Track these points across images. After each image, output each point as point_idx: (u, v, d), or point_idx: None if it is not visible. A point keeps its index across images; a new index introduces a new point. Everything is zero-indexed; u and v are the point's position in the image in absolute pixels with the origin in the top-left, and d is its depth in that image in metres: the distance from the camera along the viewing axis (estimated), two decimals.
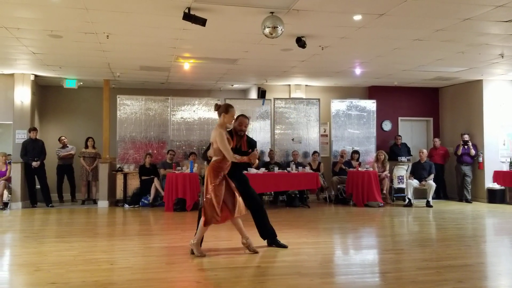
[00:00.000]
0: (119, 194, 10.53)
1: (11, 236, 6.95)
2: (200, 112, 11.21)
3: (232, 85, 12.34)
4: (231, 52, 8.41)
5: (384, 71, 10.28)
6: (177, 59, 8.87)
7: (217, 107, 5.18)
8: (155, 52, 8.33)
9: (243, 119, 5.44)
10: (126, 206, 10.11)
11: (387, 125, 12.43)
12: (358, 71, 10.12)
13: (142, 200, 10.15)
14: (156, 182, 10.05)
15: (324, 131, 12.19)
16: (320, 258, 5.26)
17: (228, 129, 5.26)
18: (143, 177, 10.25)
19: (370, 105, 11.96)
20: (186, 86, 12.39)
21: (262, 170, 9.82)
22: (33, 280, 4.23)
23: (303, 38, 7.13)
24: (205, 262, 4.92)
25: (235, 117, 5.25)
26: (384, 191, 10.62)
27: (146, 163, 10.35)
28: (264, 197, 10.93)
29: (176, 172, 9.60)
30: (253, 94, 12.30)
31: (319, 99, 11.73)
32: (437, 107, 12.81)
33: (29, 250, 5.52)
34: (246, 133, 5.57)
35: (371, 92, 12.48)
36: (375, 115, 11.94)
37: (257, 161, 5.22)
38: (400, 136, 11.93)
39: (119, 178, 10.53)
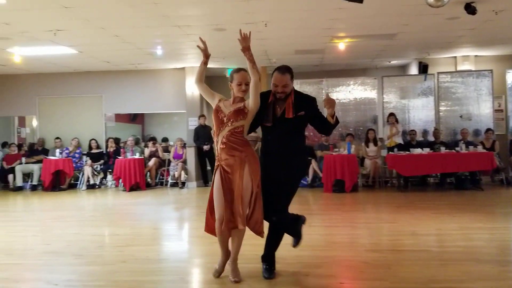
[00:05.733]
0: None
1: (188, 211, 7.81)
2: (355, 92, 10.94)
3: (389, 62, 11.79)
4: (389, 27, 8.00)
5: None
6: (331, 40, 8.79)
7: None
8: (310, 35, 8.38)
9: (275, 75, 3.91)
10: None
11: None
12: None
13: (301, 181, 10.40)
14: (313, 164, 10.19)
15: (499, 106, 10.88)
16: (498, 244, 4.77)
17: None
18: None
19: None
20: (340, 67, 12.22)
21: (427, 150, 9.22)
22: (210, 252, 4.64)
23: (472, 4, 6.42)
24: (369, 244, 4.84)
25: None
26: None
27: None
28: (429, 179, 10.29)
29: (334, 153, 9.60)
30: (413, 70, 11.60)
31: (491, 70, 10.48)
32: None
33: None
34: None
35: None
36: None
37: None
38: None
39: None
